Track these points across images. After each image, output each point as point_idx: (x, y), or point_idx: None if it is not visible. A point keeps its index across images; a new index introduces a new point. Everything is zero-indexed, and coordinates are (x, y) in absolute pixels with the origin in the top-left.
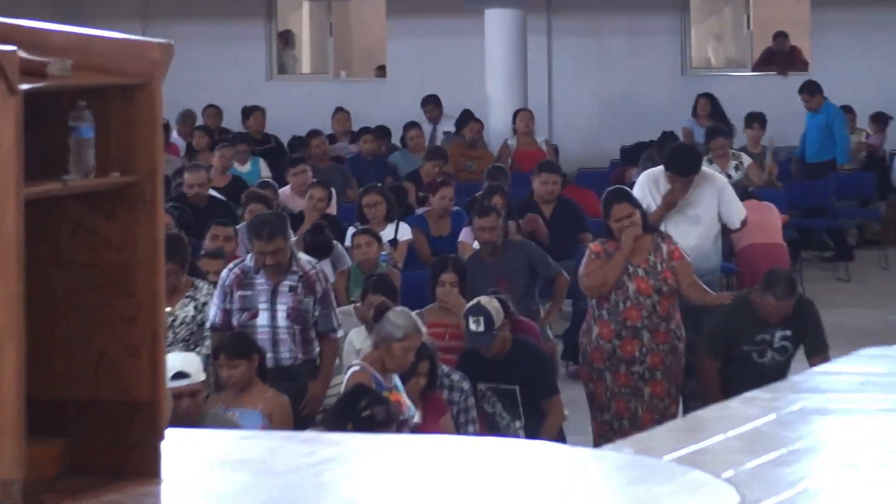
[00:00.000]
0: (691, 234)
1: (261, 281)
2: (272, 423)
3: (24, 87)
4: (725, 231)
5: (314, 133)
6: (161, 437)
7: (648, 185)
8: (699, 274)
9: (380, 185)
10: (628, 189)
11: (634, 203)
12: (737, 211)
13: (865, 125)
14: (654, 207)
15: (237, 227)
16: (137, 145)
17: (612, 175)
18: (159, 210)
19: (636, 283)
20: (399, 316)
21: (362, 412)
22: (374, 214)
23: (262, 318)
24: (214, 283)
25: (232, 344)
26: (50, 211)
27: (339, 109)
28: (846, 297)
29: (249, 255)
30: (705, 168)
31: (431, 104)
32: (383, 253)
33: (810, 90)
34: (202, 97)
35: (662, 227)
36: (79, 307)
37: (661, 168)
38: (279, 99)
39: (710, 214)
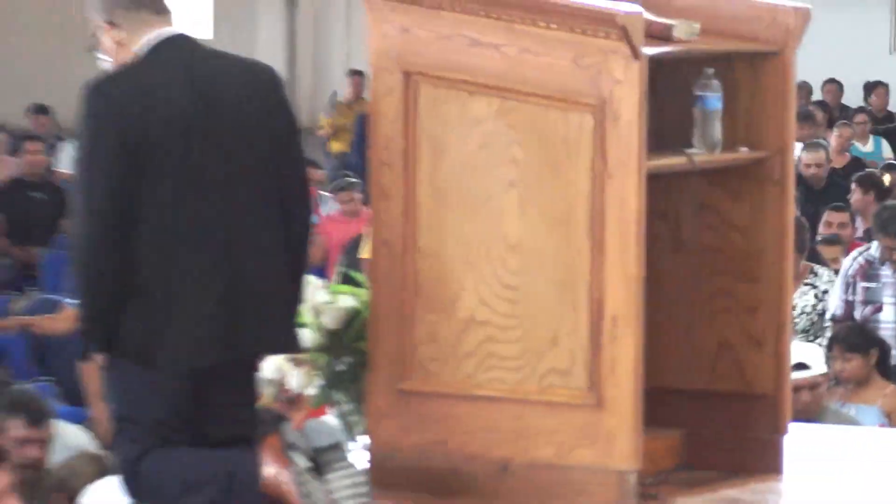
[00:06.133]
0: None
1: (887, 273)
2: (891, 421)
3: (649, 51)
4: None
5: None
6: (784, 431)
7: None
8: None
9: None
10: None
11: None
12: None
13: None
14: None
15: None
16: (767, 119)
17: None
18: (789, 191)
19: None
20: None
21: None
22: None
23: (888, 313)
24: (835, 271)
25: (847, 336)
26: (671, 187)
27: None
28: None
29: (875, 244)
30: None
31: None
32: None
33: None
34: (818, 69)
35: None
36: (698, 293)
37: None
38: None
39: None
